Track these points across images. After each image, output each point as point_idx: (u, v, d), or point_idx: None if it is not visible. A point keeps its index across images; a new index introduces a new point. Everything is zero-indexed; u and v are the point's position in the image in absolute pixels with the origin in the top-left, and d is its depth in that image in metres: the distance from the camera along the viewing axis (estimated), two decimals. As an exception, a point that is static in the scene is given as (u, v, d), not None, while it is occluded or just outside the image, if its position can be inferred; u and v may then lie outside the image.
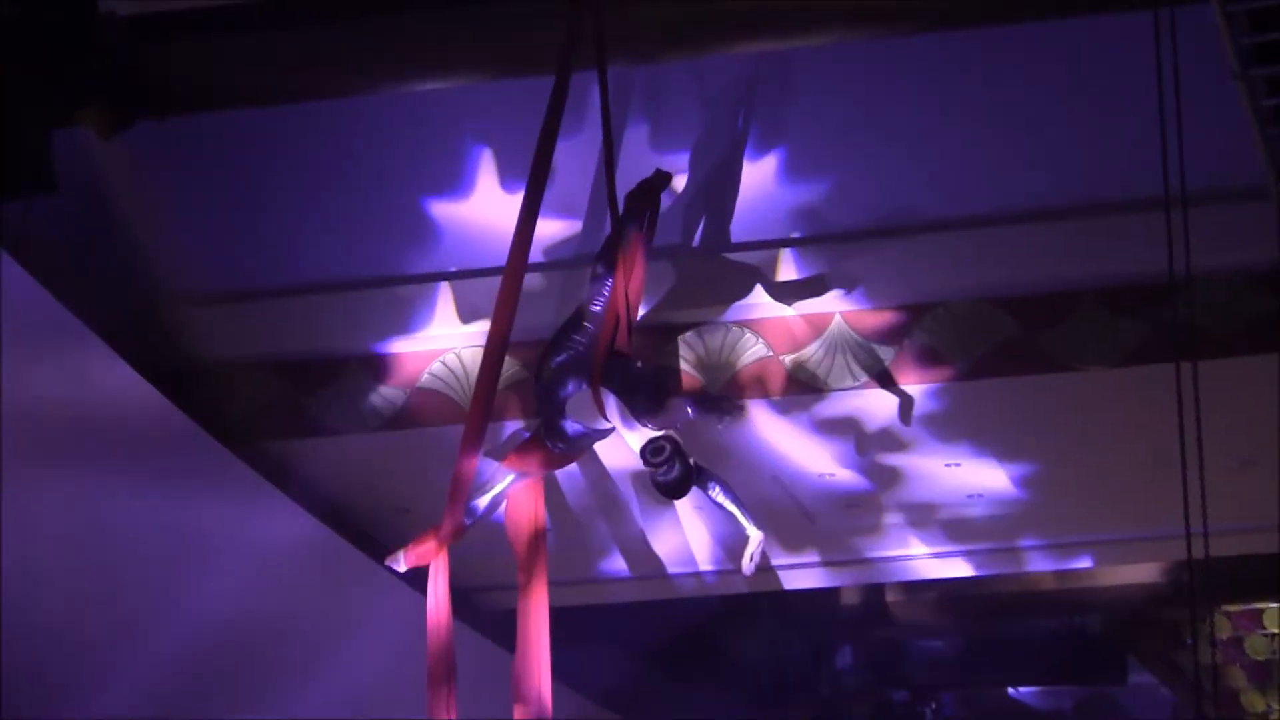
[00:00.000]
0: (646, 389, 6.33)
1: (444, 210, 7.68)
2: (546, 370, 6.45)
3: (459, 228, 7.69)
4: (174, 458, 7.11)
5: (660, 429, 6.31)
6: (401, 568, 6.30)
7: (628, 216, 6.73)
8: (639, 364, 6.56)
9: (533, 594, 6.45)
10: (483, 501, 6.39)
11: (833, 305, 7.61)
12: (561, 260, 7.59)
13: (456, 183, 7.61)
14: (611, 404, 6.44)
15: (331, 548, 8.06)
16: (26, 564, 6.20)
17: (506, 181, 7.51)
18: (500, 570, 9.24)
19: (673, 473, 6.22)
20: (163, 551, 7.02)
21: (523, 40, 6.61)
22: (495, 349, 6.16)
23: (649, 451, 6.21)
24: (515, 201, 7.30)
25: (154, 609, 7.03)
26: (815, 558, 9.50)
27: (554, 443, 6.44)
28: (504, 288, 6.11)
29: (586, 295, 6.58)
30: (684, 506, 8.70)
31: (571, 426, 6.41)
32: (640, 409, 6.31)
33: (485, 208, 7.59)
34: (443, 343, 7.84)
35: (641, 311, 7.09)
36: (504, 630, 9.40)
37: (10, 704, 6.31)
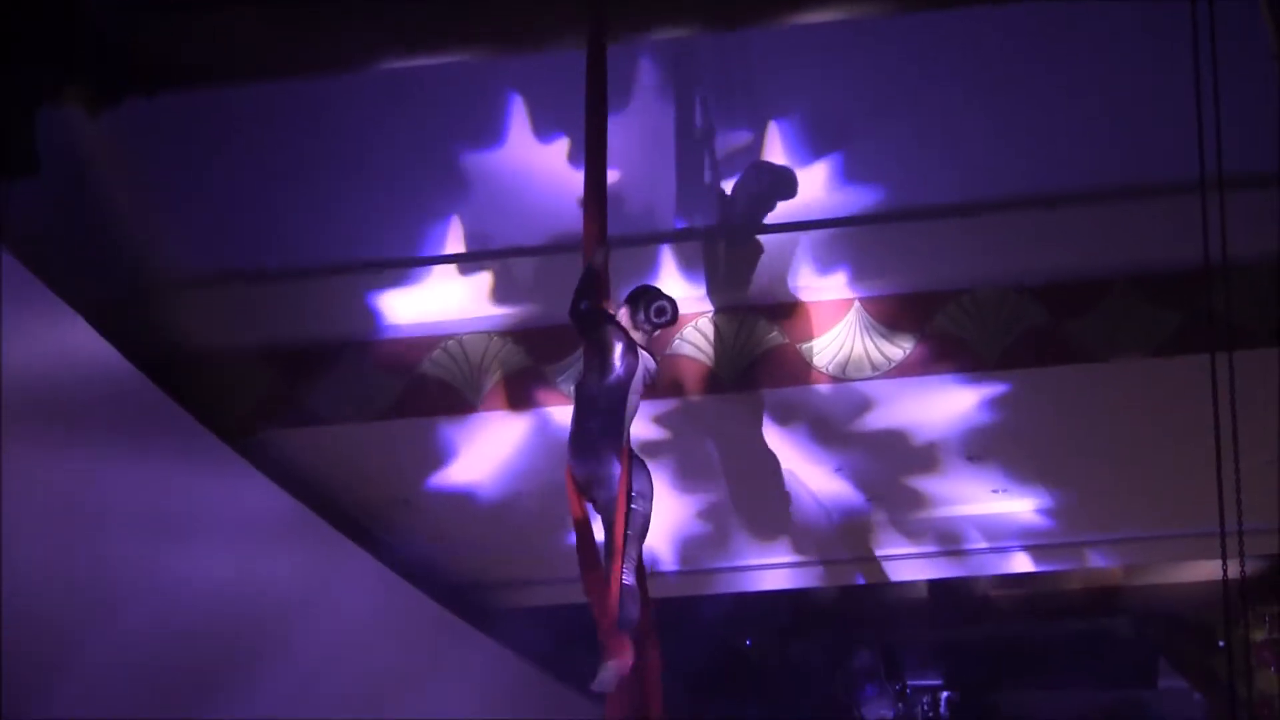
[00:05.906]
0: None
1: (446, 191, 7.51)
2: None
3: (461, 208, 7.54)
4: (160, 442, 6.91)
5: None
6: (612, 688, 5.83)
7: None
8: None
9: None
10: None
11: (852, 292, 7.44)
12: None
13: (459, 161, 7.45)
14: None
15: (321, 535, 7.89)
16: (10, 545, 6.02)
17: (511, 160, 7.38)
18: (510, 567, 9.15)
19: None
20: (146, 533, 6.84)
21: (528, 12, 6.57)
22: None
23: (654, 314, 5.88)
24: (517, 182, 7.33)
25: (137, 590, 6.87)
26: (832, 555, 9.33)
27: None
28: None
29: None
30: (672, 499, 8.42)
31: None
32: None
33: (488, 188, 7.44)
34: (444, 329, 7.63)
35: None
36: (515, 631, 9.28)
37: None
